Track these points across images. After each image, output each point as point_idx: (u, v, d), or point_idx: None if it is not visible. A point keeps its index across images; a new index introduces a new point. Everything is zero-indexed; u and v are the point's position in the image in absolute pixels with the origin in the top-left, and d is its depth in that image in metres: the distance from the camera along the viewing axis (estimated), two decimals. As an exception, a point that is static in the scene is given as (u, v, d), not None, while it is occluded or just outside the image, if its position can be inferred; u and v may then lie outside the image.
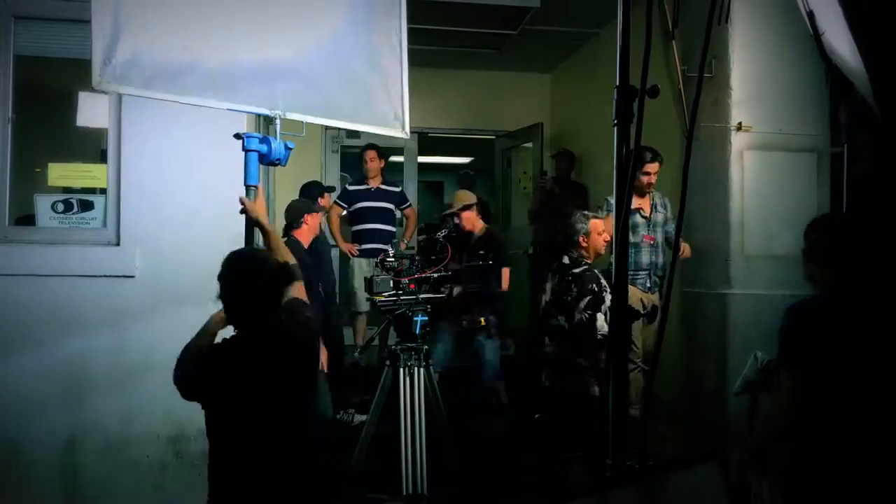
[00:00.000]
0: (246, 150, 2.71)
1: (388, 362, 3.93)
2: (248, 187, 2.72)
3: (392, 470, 3.70)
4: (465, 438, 4.45)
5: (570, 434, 4.24)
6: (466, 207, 5.16)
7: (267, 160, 2.77)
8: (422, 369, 3.84)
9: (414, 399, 3.77)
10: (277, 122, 2.80)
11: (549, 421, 3.98)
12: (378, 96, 3.13)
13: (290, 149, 2.84)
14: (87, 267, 3.74)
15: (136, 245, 3.76)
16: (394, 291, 3.85)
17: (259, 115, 5.06)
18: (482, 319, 4.82)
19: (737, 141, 4.36)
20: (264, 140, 2.74)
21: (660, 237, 4.49)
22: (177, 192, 3.81)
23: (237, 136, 2.74)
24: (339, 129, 6.99)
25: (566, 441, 4.19)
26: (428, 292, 3.99)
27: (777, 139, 4.40)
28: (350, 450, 3.90)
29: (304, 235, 4.32)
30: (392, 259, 3.93)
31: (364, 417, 4.05)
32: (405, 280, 3.88)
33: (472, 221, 5.19)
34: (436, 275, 4.01)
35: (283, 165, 2.93)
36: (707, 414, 4.41)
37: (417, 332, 3.88)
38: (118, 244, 3.78)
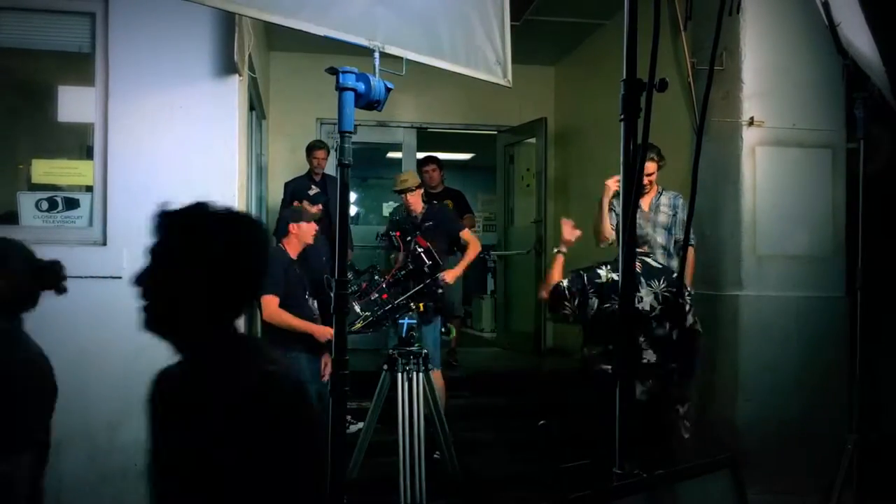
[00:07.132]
0: (341, 88, 2.36)
1: (385, 367, 3.82)
2: (342, 134, 2.37)
3: (390, 478, 3.61)
4: (465, 446, 4.35)
5: (576, 442, 4.14)
6: (408, 190, 4.81)
7: (364, 101, 2.41)
8: (420, 374, 3.73)
9: (413, 405, 3.67)
10: (376, 55, 2.53)
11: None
12: (481, 38, 2.94)
13: (390, 90, 2.50)
14: (72, 268, 3.55)
15: (123, 245, 3.63)
16: (365, 314, 3.71)
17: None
18: (421, 305, 4.23)
19: (749, 136, 4.29)
20: (361, 77, 2.39)
21: (661, 239, 4.30)
22: (166, 190, 3.64)
23: (330, 70, 2.38)
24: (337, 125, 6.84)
25: (570, 449, 4.10)
26: (409, 289, 3.82)
27: (790, 134, 4.33)
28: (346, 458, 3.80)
29: (292, 246, 4.17)
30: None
31: (361, 425, 3.94)
32: (375, 294, 3.75)
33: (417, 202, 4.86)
34: (402, 273, 3.87)
35: (380, 111, 2.56)
36: (718, 418, 4.30)
37: (404, 335, 3.77)
38: (104, 244, 3.68)
